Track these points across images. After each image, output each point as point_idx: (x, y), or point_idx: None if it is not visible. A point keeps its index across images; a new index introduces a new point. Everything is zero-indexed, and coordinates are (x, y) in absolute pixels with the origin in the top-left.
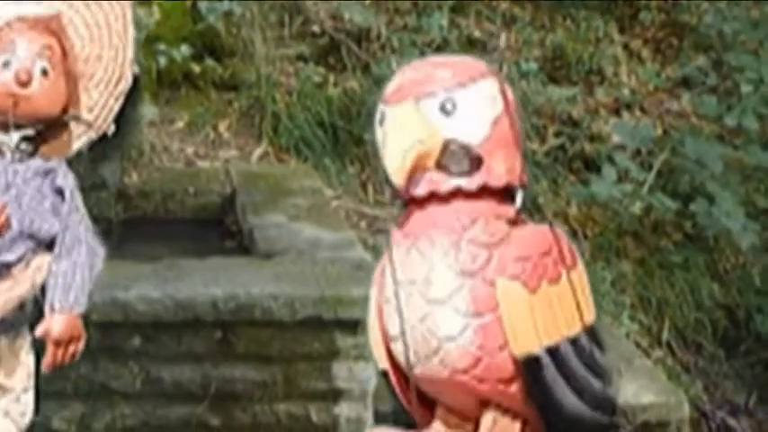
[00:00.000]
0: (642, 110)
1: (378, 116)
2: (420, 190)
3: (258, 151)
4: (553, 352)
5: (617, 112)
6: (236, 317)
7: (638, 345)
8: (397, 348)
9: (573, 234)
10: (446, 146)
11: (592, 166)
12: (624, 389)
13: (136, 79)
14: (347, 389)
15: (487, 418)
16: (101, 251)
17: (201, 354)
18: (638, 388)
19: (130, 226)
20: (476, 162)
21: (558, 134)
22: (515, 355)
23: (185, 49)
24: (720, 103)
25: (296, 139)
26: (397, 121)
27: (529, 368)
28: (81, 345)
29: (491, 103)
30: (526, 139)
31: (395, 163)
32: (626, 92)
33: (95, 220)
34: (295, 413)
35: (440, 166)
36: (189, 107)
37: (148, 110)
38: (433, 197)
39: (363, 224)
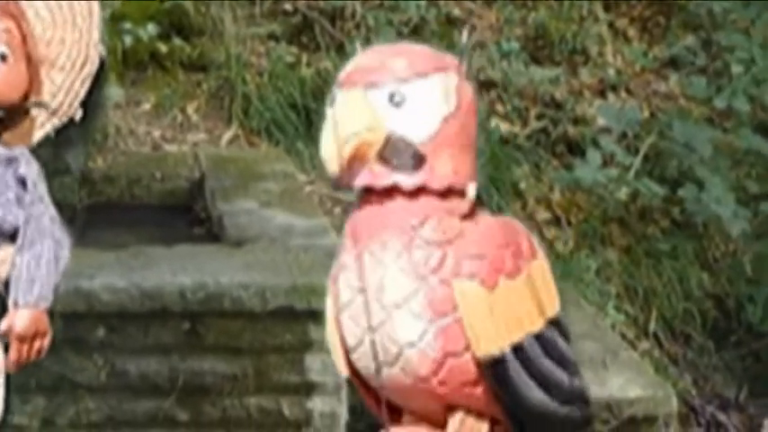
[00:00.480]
0: (628, 91)
1: (330, 97)
2: (359, 181)
3: (228, 134)
4: (517, 350)
5: (602, 94)
6: (205, 307)
7: (623, 336)
8: (356, 358)
9: (556, 221)
10: (389, 138)
11: (576, 149)
12: (609, 382)
13: (102, 62)
14: (321, 382)
15: (455, 420)
16: (66, 242)
17: (169, 345)
18: (623, 381)
19: (95, 212)
20: (418, 160)
21: (540, 117)
22: (478, 357)
23: (152, 28)
24: (710, 85)
25: (267, 122)
26: (344, 106)
27: (493, 369)
28: (47, 341)
29: (443, 99)
30: (508, 122)
31: (332, 149)
32: (611, 72)
33: (58, 206)
34: (266, 407)
35: (381, 158)
36: (156, 89)
37: (114, 91)
38: (379, 194)
39: (337, 210)
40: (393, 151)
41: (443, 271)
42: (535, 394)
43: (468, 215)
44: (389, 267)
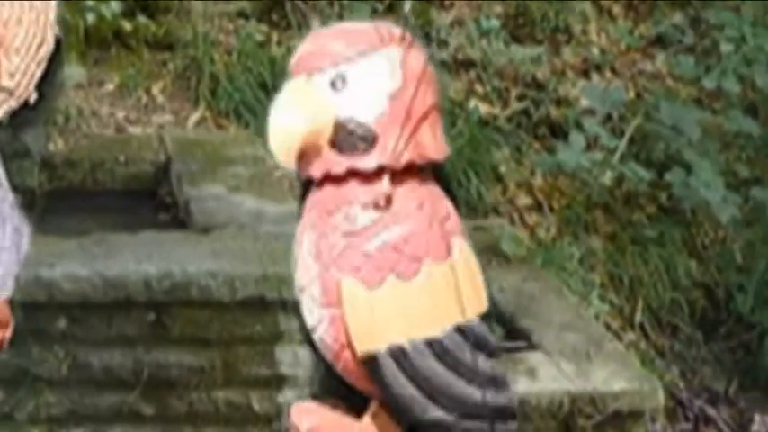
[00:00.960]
0: (613, 71)
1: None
2: (315, 171)
3: (195, 116)
4: (396, 352)
5: (585, 74)
6: (171, 297)
7: (608, 327)
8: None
9: (538, 207)
10: (337, 124)
11: (558, 132)
12: (593, 375)
13: (58, 42)
14: (292, 375)
15: (372, 406)
16: (26, 230)
17: (133, 337)
18: (608, 374)
19: (55, 198)
20: (370, 141)
21: (521, 98)
22: (356, 353)
23: (115, 5)
24: (698, 64)
25: (236, 103)
26: (289, 97)
27: (369, 368)
28: (9, 332)
29: (388, 75)
30: (487, 103)
31: (278, 141)
32: (595, 52)
33: (17, 191)
34: (235, 401)
35: (333, 145)
36: (119, 68)
37: (75, 71)
38: (339, 180)
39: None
40: (343, 137)
41: (341, 262)
42: (419, 402)
43: (385, 207)
44: (304, 250)
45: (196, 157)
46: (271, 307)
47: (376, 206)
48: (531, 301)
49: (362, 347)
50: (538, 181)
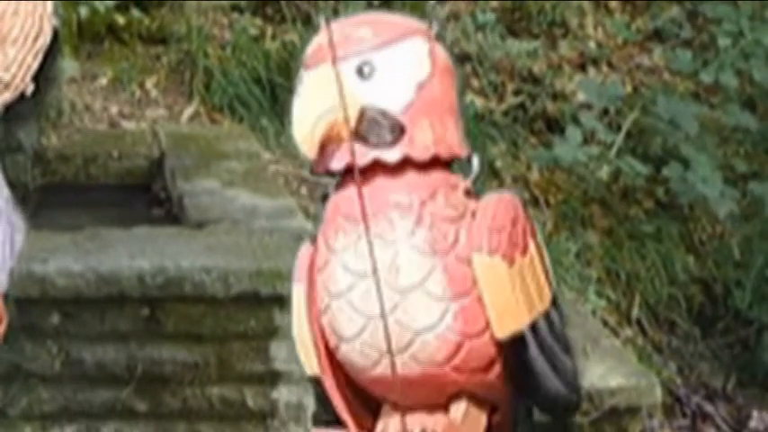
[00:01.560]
0: (610, 65)
1: (297, 82)
2: (336, 163)
3: (189, 111)
4: (534, 329)
5: (582, 68)
6: (165, 292)
7: (605, 323)
8: (349, 350)
9: (534, 202)
10: (363, 113)
11: (555, 126)
12: (590, 371)
13: (55, 34)
14: (286, 371)
15: (460, 408)
16: (21, 225)
17: (127, 333)
18: (605, 370)
19: (49, 192)
20: (397, 131)
21: (517, 92)
22: (498, 337)
23: None
24: (696, 58)
25: (230, 98)
26: (312, 86)
27: (514, 349)
28: (3, 327)
29: (416, 65)
30: (483, 97)
31: (303, 131)
32: (592, 46)
33: (10, 186)
34: (229, 397)
35: (358, 135)
36: (113, 62)
37: (69, 65)
38: (363, 173)
39: (304, 190)
40: (369, 127)
41: (459, 247)
42: (548, 376)
43: (468, 191)
44: (401, 247)
45: (190, 152)
46: (265, 302)
47: (467, 192)
48: None
49: (510, 327)
50: (534, 176)
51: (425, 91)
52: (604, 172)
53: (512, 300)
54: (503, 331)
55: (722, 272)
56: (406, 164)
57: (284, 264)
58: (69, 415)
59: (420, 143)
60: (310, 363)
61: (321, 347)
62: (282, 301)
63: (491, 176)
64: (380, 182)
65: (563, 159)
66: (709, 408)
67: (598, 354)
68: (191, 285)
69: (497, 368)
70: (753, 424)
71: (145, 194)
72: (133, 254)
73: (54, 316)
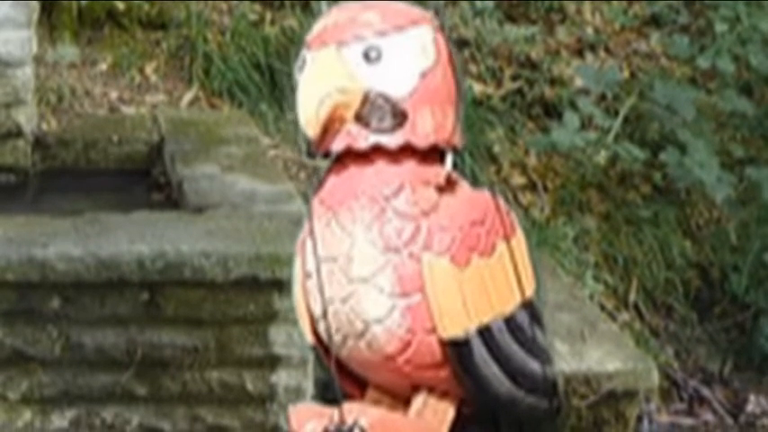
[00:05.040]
0: (607, 51)
1: (299, 63)
2: (337, 145)
3: (188, 96)
4: (484, 332)
5: (580, 54)
6: (165, 276)
7: (602, 307)
8: (321, 328)
9: (532, 186)
10: (367, 97)
11: (552, 112)
12: (587, 355)
13: None
14: (285, 355)
15: (418, 401)
16: None
17: (126, 317)
18: (602, 354)
19: (49, 177)
20: (399, 117)
21: (515, 77)
22: (442, 338)
23: None
24: (693, 44)
25: (229, 83)
26: (317, 67)
27: (457, 352)
28: None
29: (421, 53)
30: (481, 83)
31: (309, 111)
32: (590, 31)
33: (10, 170)
34: (228, 381)
35: (359, 119)
36: (113, 48)
37: (68, 51)
38: (353, 157)
39: (303, 175)
40: (372, 110)
41: (414, 245)
42: (500, 380)
43: (445, 187)
44: (358, 238)
45: (189, 137)
46: (264, 287)
47: (439, 187)
48: None
49: (454, 330)
50: (532, 161)
51: (428, 79)
52: (602, 157)
53: (457, 302)
54: (446, 333)
55: (719, 256)
56: (377, 153)
57: (283, 248)
58: (69, 399)
59: (421, 131)
60: (307, 332)
61: (309, 321)
62: (281, 286)
63: (489, 161)
64: (352, 170)
65: (561, 144)
66: (705, 392)
67: (595, 338)
68: (190, 270)
69: (450, 365)
70: (749, 408)
71: (144, 179)
72: (133, 238)
73: (54, 300)
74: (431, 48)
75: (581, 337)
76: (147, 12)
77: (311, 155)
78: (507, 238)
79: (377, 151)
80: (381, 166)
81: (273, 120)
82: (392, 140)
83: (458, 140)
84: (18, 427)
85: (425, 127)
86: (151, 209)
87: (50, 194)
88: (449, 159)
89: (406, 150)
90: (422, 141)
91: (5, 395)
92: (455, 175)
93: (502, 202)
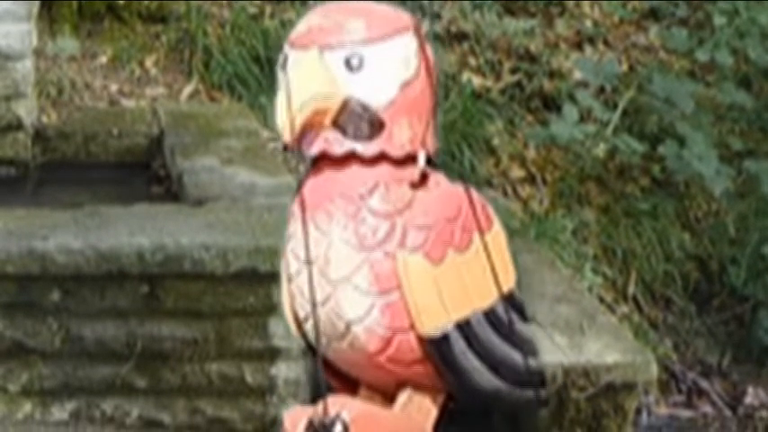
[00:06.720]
0: (606, 44)
1: (281, 59)
2: (313, 149)
3: (188, 89)
4: (463, 327)
5: (579, 47)
6: (164, 269)
7: (601, 299)
8: (307, 330)
9: (531, 179)
10: (345, 104)
11: (551, 104)
12: (586, 347)
13: None
14: (285, 347)
15: (403, 396)
16: None
17: (126, 309)
18: (601, 347)
19: (49, 170)
20: (376, 126)
21: (514, 70)
22: (421, 335)
23: None
24: (691, 37)
25: (229, 76)
26: (299, 69)
27: (437, 347)
28: None
29: (403, 63)
30: (480, 75)
31: (286, 115)
32: (588, 24)
33: (11, 163)
34: (228, 373)
35: (337, 125)
36: (113, 41)
37: (69, 44)
38: (329, 162)
39: (302, 168)
40: (350, 118)
41: (389, 243)
42: (481, 373)
43: (420, 183)
44: (334, 239)
45: (189, 130)
46: (264, 279)
47: (412, 185)
48: (523, 274)
49: (431, 326)
50: (531, 153)
51: (408, 90)
52: (601, 150)
53: (433, 298)
54: (424, 328)
55: (718, 249)
56: (351, 157)
57: (282, 241)
58: (69, 391)
59: (397, 141)
60: (294, 333)
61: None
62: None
63: (488, 154)
64: (327, 173)
65: (560, 137)
66: (704, 384)
67: (594, 330)
68: (190, 262)
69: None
70: (748, 400)
71: (144, 172)
72: (133, 231)
73: (54, 293)
74: (413, 59)
75: (580, 329)
76: (146, 5)
77: (286, 151)
78: (483, 232)
79: (352, 156)
80: (356, 169)
81: (273, 112)
82: (368, 149)
83: (431, 148)
84: (18, 419)
85: (401, 137)
86: (151, 201)
87: (50, 187)
88: (421, 157)
89: (382, 157)
90: (397, 151)
91: (6, 387)
92: (429, 171)
93: (476, 195)
